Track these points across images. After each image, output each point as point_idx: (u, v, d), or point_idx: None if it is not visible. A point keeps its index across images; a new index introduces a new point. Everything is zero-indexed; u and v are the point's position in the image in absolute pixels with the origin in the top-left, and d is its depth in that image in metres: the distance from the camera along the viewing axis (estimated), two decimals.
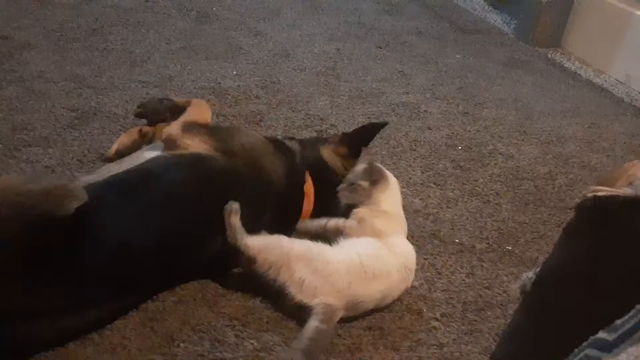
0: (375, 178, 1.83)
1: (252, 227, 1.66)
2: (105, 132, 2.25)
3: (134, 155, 1.87)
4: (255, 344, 1.55)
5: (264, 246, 1.61)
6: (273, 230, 1.70)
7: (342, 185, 1.85)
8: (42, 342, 1.43)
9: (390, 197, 1.85)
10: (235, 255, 1.64)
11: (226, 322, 1.59)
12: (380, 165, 1.91)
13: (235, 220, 1.61)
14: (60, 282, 1.42)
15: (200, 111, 1.99)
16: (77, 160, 2.07)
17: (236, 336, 1.56)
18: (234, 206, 1.62)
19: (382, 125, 2.09)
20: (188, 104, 2.01)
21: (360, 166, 1.87)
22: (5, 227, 1.40)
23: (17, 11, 3.02)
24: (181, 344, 1.52)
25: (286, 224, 1.81)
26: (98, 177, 1.67)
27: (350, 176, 1.87)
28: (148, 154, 1.80)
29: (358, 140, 1.99)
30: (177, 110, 1.99)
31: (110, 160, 1.98)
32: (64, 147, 2.14)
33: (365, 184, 1.82)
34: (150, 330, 1.54)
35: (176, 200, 1.63)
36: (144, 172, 1.67)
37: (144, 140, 2.01)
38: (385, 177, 1.87)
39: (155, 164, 1.71)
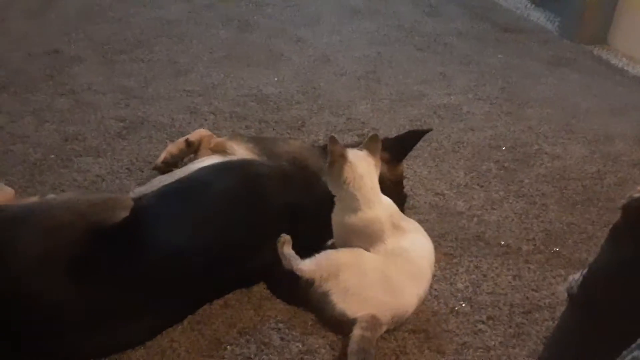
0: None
1: (307, 230, 1.69)
2: (153, 141, 2.31)
3: (184, 166, 1.92)
4: (301, 346, 1.56)
5: (316, 265, 1.61)
6: (323, 228, 1.71)
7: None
8: (95, 349, 1.48)
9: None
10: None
11: (272, 325, 1.61)
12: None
13: (288, 249, 1.62)
14: (114, 289, 1.47)
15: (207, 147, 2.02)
16: (126, 168, 2.14)
17: (281, 339, 1.58)
18: (286, 238, 1.64)
19: (426, 131, 2.07)
20: (200, 140, 2.05)
21: None
22: (69, 231, 1.48)
23: (67, 26, 3.13)
24: (228, 347, 1.55)
25: None
26: (151, 188, 1.72)
27: None
28: (198, 164, 1.85)
29: (401, 146, 1.99)
30: (191, 149, 2.04)
31: (157, 169, 2.03)
32: (113, 156, 2.21)
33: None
34: (198, 333, 1.57)
35: (226, 205, 1.67)
36: (195, 181, 1.72)
37: (190, 150, 2.05)
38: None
39: (205, 171, 1.76)
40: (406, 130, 2.17)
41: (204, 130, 2.12)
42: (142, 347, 1.52)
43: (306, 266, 1.60)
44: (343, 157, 1.65)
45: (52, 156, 2.17)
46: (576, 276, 1.08)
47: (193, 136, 2.07)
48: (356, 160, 1.66)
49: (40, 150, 2.20)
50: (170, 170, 1.95)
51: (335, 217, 1.68)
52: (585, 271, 1.08)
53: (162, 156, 2.07)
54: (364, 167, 1.66)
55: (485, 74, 3.11)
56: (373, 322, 1.54)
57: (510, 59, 3.30)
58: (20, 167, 2.10)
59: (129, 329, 1.49)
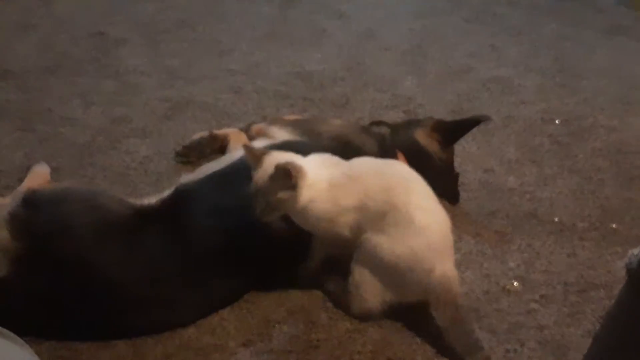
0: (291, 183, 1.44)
1: None
2: (198, 121, 2.31)
3: (228, 154, 1.93)
4: (349, 325, 1.55)
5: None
6: None
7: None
8: (149, 324, 1.51)
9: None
10: None
11: (319, 305, 1.60)
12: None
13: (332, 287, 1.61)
14: (166, 266, 1.50)
15: (239, 140, 2.02)
16: (173, 149, 2.15)
17: (330, 318, 1.57)
18: (330, 286, 1.62)
19: (482, 120, 1.98)
20: (226, 135, 2.08)
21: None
22: (113, 210, 1.54)
23: (110, 7, 3.16)
24: (276, 325, 1.55)
25: None
26: (197, 176, 1.73)
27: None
28: (241, 151, 1.84)
29: (452, 131, 1.95)
30: (216, 143, 2.07)
31: (180, 155, 2.08)
32: (160, 137, 2.22)
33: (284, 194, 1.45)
34: (247, 312, 1.58)
35: None
36: (240, 165, 1.72)
37: (215, 143, 2.08)
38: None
39: None
40: (460, 116, 2.15)
41: (233, 129, 2.14)
42: (192, 325, 1.53)
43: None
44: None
45: (100, 138, 2.20)
46: (636, 251, 1.02)
47: (220, 131, 2.12)
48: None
49: (88, 132, 2.23)
50: (192, 162, 2.03)
51: None
52: None
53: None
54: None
55: (537, 45, 2.99)
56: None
57: (564, 28, 3.17)
58: (70, 150, 2.14)
59: (181, 307, 1.51)
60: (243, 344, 1.50)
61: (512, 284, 1.70)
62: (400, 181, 1.50)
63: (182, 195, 1.63)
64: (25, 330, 1.27)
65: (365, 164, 1.56)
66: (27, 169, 1.94)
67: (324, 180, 1.47)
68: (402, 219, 1.44)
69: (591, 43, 3.04)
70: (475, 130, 2.30)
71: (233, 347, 1.49)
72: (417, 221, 1.44)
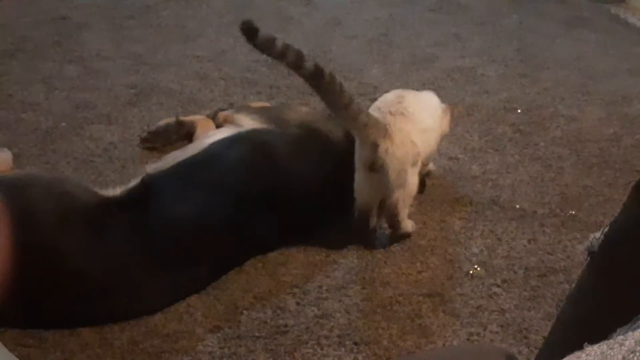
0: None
1: (319, 186, 1.71)
2: (164, 107, 2.29)
3: (196, 142, 1.92)
4: (316, 310, 1.57)
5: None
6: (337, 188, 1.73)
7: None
8: (114, 312, 1.50)
9: None
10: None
11: (287, 290, 1.61)
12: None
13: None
14: (132, 254, 1.49)
15: (206, 127, 2.03)
16: (138, 136, 2.12)
17: (297, 304, 1.58)
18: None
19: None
20: (193, 122, 2.07)
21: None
22: (78, 198, 1.52)
23: None
24: (244, 312, 1.56)
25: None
26: (165, 165, 1.72)
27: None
28: (209, 139, 1.84)
29: None
30: (182, 130, 2.06)
31: (145, 140, 2.06)
32: (125, 123, 2.20)
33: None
34: (214, 298, 1.58)
35: (238, 174, 1.67)
36: (207, 153, 1.72)
37: (181, 129, 2.07)
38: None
39: (216, 144, 1.75)
40: None
41: (199, 116, 2.13)
42: (159, 313, 1.53)
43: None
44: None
45: (64, 124, 2.16)
46: (597, 234, 1.06)
47: (186, 117, 2.11)
48: None
49: (51, 118, 2.19)
50: (158, 148, 2.03)
51: None
52: (606, 229, 1.06)
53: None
54: None
55: (500, 35, 3.05)
56: None
57: (526, 19, 3.23)
58: (32, 136, 2.09)
59: (147, 295, 1.51)
60: (210, 330, 1.50)
61: (475, 269, 1.74)
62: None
63: (148, 185, 1.62)
64: None
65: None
66: None
67: None
68: None
69: (552, 34, 3.10)
70: None
71: (200, 333, 1.49)
72: None
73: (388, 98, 1.79)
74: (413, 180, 1.72)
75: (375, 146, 1.62)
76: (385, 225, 1.79)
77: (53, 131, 2.12)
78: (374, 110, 1.73)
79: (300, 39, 2.86)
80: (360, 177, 1.69)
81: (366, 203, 1.73)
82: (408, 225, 1.77)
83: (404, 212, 1.74)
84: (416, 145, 1.70)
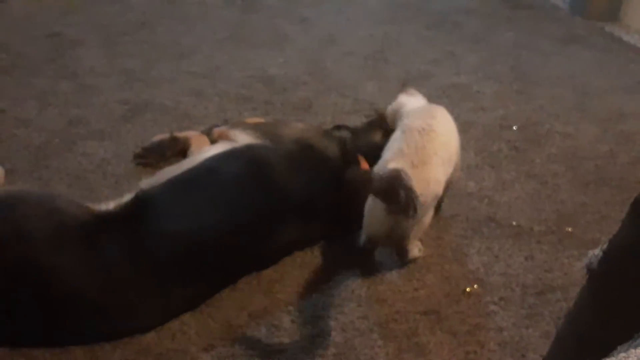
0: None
1: (316, 207, 1.70)
2: (157, 123, 2.28)
3: (190, 158, 1.90)
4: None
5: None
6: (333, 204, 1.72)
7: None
8: (106, 330, 1.47)
9: None
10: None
11: (282, 308, 1.59)
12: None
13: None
14: (125, 271, 1.47)
15: (201, 143, 2.02)
16: (132, 152, 2.10)
17: (292, 321, 1.56)
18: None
19: None
20: (187, 138, 2.06)
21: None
22: (71, 214, 1.49)
23: (67, 8, 3.09)
24: (238, 330, 1.53)
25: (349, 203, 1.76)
26: (158, 181, 1.70)
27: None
28: (204, 154, 1.83)
29: None
30: (176, 146, 2.04)
31: (139, 156, 2.05)
32: (118, 139, 2.18)
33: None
34: (207, 316, 1.56)
35: (233, 190, 1.66)
36: (201, 169, 1.70)
37: (176, 145, 2.05)
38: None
39: (211, 160, 1.74)
40: None
41: (194, 132, 2.12)
42: (152, 331, 1.50)
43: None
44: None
45: (57, 140, 2.15)
46: (596, 251, 1.05)
47: (181, 133, 2.09)
48: None
49: (44, 134, 2.17)
50: (152, 164, 2.00)
51: None
52: (605, 246, 1.05)
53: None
54: None
55: (495, 53, 3.06)
56: None
57: (521, 36, 3.25)
58: (25, 152, 2.07)
59: (140, 312, 1.48)
60: (204, 348, 1.48)
61: (472, 286, 1.72)
62: None
63: (142, 201, 1.59)
64: None
65: None
66: None
67: None
68: None
69: (547, 51, 3.12)
70: None
71: (194, 352, 1.47)
72: None
73: (414, 134, 1.71)
74: (428, 215, 1.71)
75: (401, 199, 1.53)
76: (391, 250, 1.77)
77: (46, 147, 2.11)
78: (399, 140, 1.71)
79: (296, 56, 2.87)
80: (373, 209, 1.64)
81: (375, 232, 1.69)
82: (415, 250, 1.75)
83: (413, 242, 1.73)
84: (437, 183, 1.67)
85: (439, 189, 1.69)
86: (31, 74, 2.52)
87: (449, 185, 1.83)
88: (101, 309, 1.44)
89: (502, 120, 2.50)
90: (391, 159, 1.64)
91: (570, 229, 1.96)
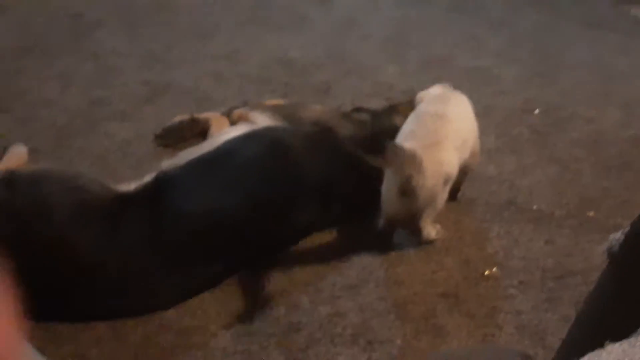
0: None
1: (333, 185, 1.71)
2: (178, 105, 2.29)
3: (210, 139, 1.92)
4: (330, 309, 1.55)
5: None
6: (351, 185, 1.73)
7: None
8: (129, 309, 1.49)
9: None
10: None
11: (300, 288, 1.60)
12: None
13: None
14: (146, 249, 1.48)
15: (221, 124, 2.01)
16: (152, 133, 2.12)
17: (310, 302, 1.57)
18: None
19: None
20: (207, 119, 2.06)
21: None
22: (92, 192, 1.52)
23: None
24: (257, 309, 1.55)
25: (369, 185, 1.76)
26: (179, 162, 1.72)
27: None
28: (224, 136, 1.84)
29: None
30: (196, 127, 2.04)
31: (160, 137, 2.05)
32: (140, 120, 2.20)
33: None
34: (227, 295, 1.58)
35: (253, 171, 1.67)
36: (221, 150, 1.72)
37: (195, 126, 2.05)
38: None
39: (231, 141, 1.75)
40: None
41: (214, 113, 2.12)
42: (173, 308, 1.53)
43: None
44: None
45: (79, 120, 2.17)
46: (617, 235, 1.03)
47: (201, 115, 2.09)
48: None
49: (66, 114, 2.20)
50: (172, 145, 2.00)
51: None
52: (627, 230, 1.04)
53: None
54: None
55: (517, 36, 3.01)
56: None
57: (544, 19, 3.20)
58: (47, 132, 2.10)
59: (161, 290, 1.50)
60: (223, 326, 1.49)
61: (491, 269, 1.72)
62: None
63: (163, 182, 1.61)
64: None
65: None
66: (4, 150, 1.90)
67: None
68: None
69: (570, 35, 3.07)
70: None
71: (214, 329, 1.49)
72: None
73: (426, 119, 1.75)
74: (442, 197, 1.71)
75: (409, 178, 1.60)
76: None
77: (68, 127, 2.13)
78: (411, 123, 1.74)
79: (315, 38, 2.85)
80: (389, 193, 1.67)
81: (393, 216, 1.71)
82: (432, 232, 1.75)
83: (427, 222, 1.73)
84: (450, 165, 1.69)
85: (451, 171, 1.69)
86: (53, 55, 2.54)
87: (466, 171, 1.83)
88: (122, 285, 1.47)
89: (523, 104, 2.47)
90: (403, 140, 1.67)
91: (591, 214, 1.94)
